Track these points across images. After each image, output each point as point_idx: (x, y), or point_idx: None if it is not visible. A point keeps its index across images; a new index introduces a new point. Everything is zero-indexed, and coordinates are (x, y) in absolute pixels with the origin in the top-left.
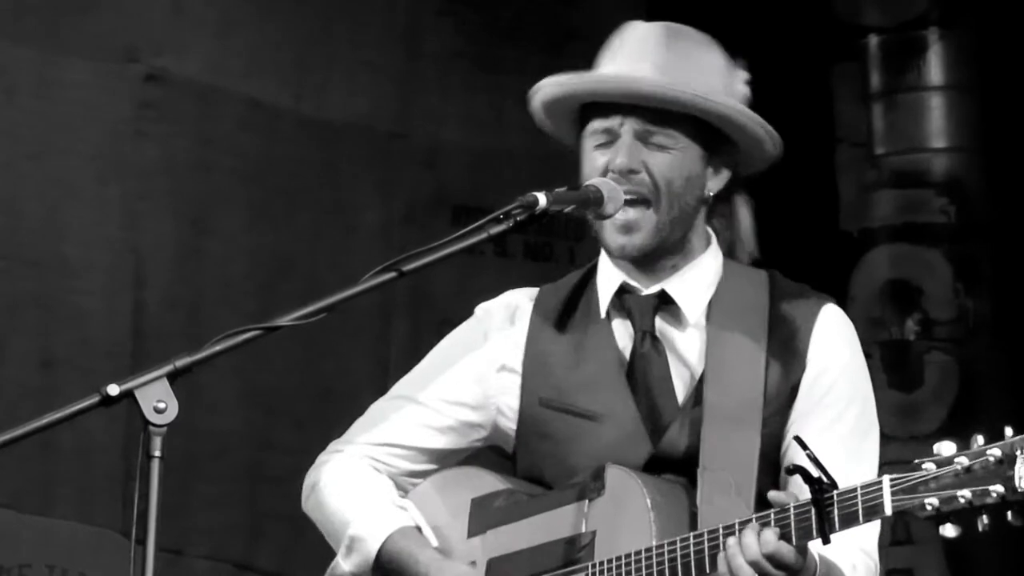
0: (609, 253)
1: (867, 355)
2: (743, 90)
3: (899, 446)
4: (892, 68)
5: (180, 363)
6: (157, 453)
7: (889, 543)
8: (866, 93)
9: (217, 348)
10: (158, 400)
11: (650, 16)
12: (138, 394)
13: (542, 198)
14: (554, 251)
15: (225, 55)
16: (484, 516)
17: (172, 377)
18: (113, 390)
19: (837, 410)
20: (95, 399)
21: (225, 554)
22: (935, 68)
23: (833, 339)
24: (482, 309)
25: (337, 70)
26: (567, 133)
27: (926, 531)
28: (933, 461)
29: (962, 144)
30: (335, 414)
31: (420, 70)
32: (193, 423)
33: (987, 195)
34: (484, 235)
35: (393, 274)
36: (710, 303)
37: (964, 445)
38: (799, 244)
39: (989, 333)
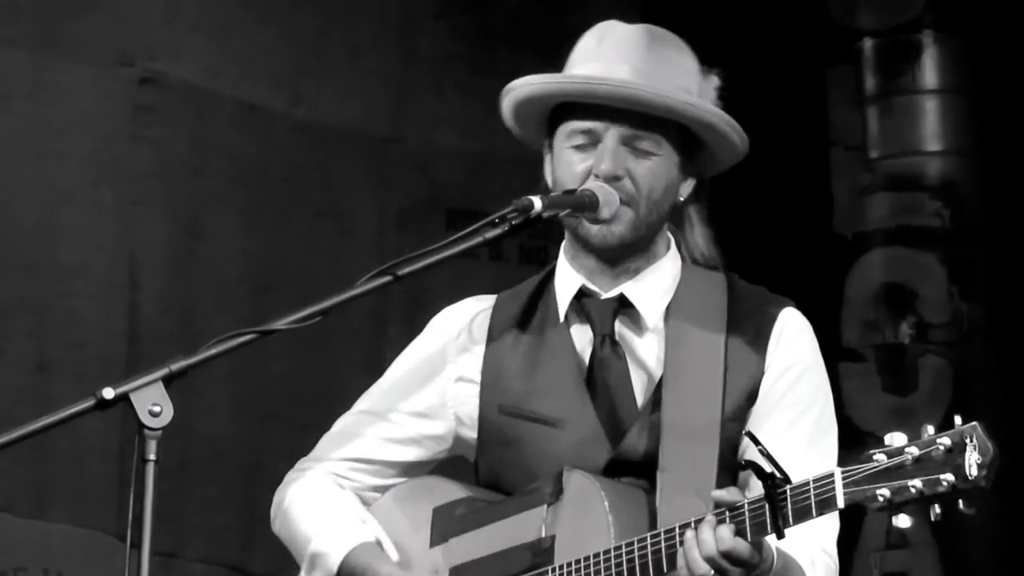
0: (587, 241)
1: (861, 359)
2: (714, 95)
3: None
4: (887, 71)
5: (175, 367)
6: (152, 456)
7: (884, 547)
8: (861, 96)
9: (212, 352)
10: (153, 403)
11: (645, 20)
12: (133, 398)
13: (537, 202)
14: (549, 255)
15: (220, 59)
16: (445, 525)
17: (167, 381)
18: (108, 394)
19: (797, 411)
20: (90, 402)
21: (220, 557)
22: (929, 71)
23: (792, 342)
24: (439, 320)
25: (332, 74)
26: (533, 133)
27: (921, 535)
28: (884, 452)
29: (956, 147)
30: (329, 418)
31: (415, 74)
32: (188, 427)
33: (981, 198)
34: (479, 239)
35: (388, 278)
36: (668, 307)
37: (915, 435)
38: (793, 247)
39: (984, 336)
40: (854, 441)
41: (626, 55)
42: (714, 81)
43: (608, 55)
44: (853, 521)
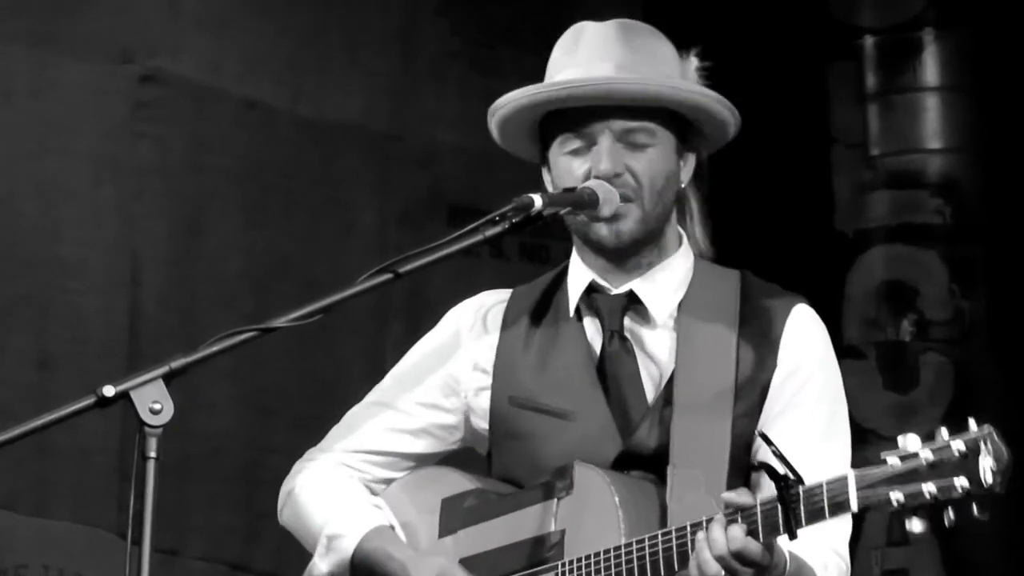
0: (597, 243)
1: (862, 356)
2: (696, 76)
3: (894, 447)
4: (888, 69)
5: (176, 364)
6: (153, 454)
7: (885, 543)
8: (862, 94)
9: (213, 349)
10: (154, 401)
11: (646, 17)
12: (134, 395)
13: (537, 200)
14: (550, 253)
15: (221, 55)
16: (454, 516)
17: (168, 378)
18: (109, 391)
19: (809, 407)
20: (91, 400)
21: (221, 555)
22: (931, 69)
23: (805, 338)
24: (454, 311)
25: (333, 71)
26: (525, 148)
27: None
28: (898, 456)
29: (958, 145)
30: (330, 415)
31: (416, 71)
32: (188, 424)
33: (982, 196)
34: (480, 237)
35: (389, 275)
36: (680, 303)
37: (929, 438)
38: (794, 244)
39: (985, 334)
40: (855, 439)
41: (604, 52)
42: (693, 63)
43: (586, 56)
44: (855, 517)
